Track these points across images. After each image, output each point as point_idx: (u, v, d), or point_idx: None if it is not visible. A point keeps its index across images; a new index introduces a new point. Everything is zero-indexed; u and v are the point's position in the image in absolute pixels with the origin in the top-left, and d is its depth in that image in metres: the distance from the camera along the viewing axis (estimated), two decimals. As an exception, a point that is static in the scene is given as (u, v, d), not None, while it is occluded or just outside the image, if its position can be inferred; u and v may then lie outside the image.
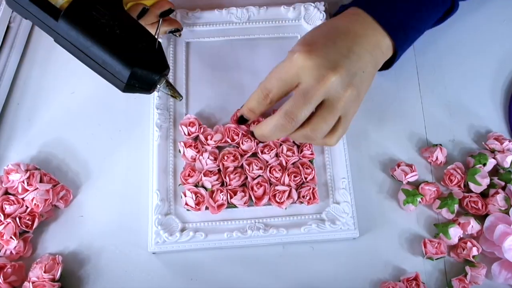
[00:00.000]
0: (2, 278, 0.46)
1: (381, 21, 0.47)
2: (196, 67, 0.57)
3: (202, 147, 0.52)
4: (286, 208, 0.50)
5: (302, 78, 0.43)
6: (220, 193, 0.50)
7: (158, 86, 0.43)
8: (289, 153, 0.51)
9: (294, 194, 0.50)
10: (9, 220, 0.48)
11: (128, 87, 0.41)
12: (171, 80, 0.55)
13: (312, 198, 0.50)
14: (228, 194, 0.50)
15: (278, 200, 0.49)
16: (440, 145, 0.53)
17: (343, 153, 0.52)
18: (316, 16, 0.59)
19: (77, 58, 0.42)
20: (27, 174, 0.50)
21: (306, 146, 0.52)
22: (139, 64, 0.40)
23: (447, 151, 0.54)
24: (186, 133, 0.52)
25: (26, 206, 0.49)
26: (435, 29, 0.60)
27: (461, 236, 0.49)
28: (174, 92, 0.45)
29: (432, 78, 0.58)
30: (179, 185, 0.51)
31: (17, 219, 0.49)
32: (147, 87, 0.42)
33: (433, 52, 0.59)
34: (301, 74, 0.43)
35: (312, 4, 0.59)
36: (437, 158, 0.53)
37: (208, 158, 0.51)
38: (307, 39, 0.46)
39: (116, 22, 0.40)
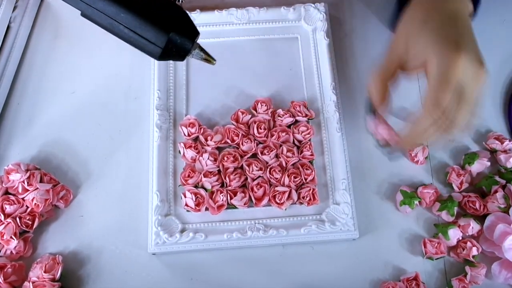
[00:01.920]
0: (2, 278, 0.46)
1: None
2: (196, 68, 0.57)
3: (202, 148, 0.52)
4: (286, 209, 0.50)
5: (464, 79, 0.42)
6: (220, 194, 0.49)
7: (192, 51, 0.44)
8: (289, 154, 0.51)
9: (294, 195, 0.50)
10: (9, 220, 0.48)
11: (165, 52, 0.42)
12: (171, 81, 0.56)
13: (312, 199, 0.50)
14: (228, 195, 0.50)
15: (278, 201, 0.49)
16: (427, 146, 0.53)
17: (343, 154, 0.52)
18: (316, 16, 0.59)
19: (107, 29, 0.43)
20: (27, 174, 0.50)
21: (306, 147, 0.52)
22: (176, 30, 0.42)
23: (448, 151, 0.54)
24: (186, 134, 0.52)
25: (26, 206, 0.49)
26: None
27: (460, 238, 0.49)
28: (208, 56, 0.46)
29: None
30: (179, 186, 0.51)
31: (17, 219, 0.49)
32: (183, 53, 0.43)
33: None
34: (462, 76, 0.42)
35: (312, 5, 0.59)
36: (416, 155, 0.53)
37: (208, 159, 0.50)
38: (446, 39, 0.44)
39: None
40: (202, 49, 0.45)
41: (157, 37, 0.42)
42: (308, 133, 0.52)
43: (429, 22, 0.46)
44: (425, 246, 0.49)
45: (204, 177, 0.50)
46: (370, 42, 0.60)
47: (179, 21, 0.43)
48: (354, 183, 0.51)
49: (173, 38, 0.42)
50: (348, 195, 0.50)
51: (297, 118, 0.53)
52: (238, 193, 0.50)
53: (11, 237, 0.48)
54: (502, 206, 0.49)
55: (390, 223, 0.51)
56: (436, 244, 0.49)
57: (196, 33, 0.44)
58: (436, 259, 0.49)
